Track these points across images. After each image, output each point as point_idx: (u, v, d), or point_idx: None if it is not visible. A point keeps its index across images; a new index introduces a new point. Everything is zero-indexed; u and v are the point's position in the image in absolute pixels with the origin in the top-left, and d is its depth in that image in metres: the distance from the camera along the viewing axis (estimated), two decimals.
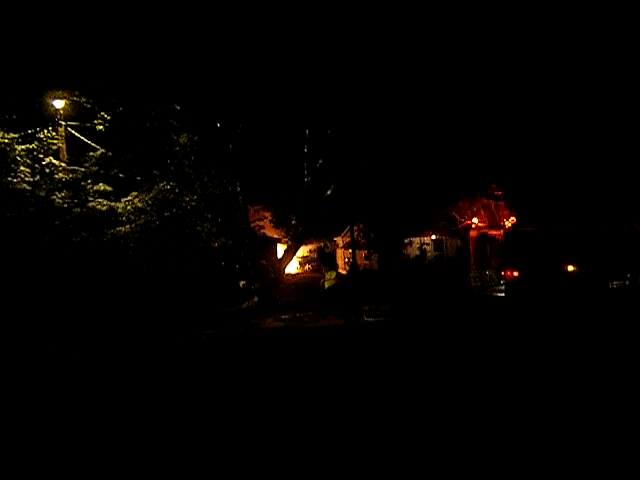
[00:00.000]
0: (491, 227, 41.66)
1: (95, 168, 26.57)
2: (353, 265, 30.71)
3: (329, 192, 31.71)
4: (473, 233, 44.07)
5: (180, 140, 27.56)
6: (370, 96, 29.49)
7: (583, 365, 13.54)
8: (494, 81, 32.33)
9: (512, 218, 38.42)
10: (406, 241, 47.28)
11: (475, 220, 45.84)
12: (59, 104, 25.87)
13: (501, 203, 45.14)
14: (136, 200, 27.06)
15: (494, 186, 44.94)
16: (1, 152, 24.07)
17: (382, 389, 12.21)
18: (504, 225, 34.68)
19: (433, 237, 52.97)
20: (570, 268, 25.57)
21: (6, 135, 24.15)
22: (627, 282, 24.51)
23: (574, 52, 30.77)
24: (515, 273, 27.75)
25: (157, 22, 26.16)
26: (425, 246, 51.84)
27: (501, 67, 31.73)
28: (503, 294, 29.83)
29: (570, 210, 29.91)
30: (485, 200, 46.19)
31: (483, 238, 42.74)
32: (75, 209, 25.50)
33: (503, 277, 30.17)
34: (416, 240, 50.33)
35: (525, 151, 34.65)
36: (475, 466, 7.91)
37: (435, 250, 52.61)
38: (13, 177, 24.26)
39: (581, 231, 25.79)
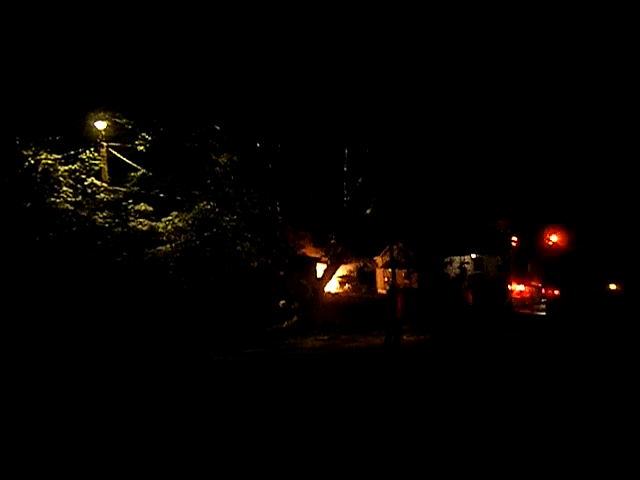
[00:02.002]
0: (532, 245, 41.28)
1: (136, 188, 26.86)
2: (392, 285, 30.59)
3: (368, 211, 31.60)
4: (514, 252, 43.69)
5: (220, 160, 27.71)
6: (410, 114, 29.40)
7: (621, 391, 13.27)
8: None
9: (553, 236, 38.00)
10: (446, 260, 47.02)
11: (515, 238, 45.44)
12: (101, 125, 26.21)
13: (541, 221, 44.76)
14: (176, 220, 27.22)
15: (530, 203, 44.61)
16: (45, 173, 24.41)
17: (418, 413, 12.10)
18: (546, 243, 34.29)
19: (473, 255, 52.66)
20: (612, 287, 25.25)
21: (49, 156, 24.49)
22: None
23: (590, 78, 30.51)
24: (556, 292, 27.49)
25: (197, 45, 26.35)
26: (465, 265, 51.54)
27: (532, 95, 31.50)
28: (544, 313, 29.51)
29: (614, 227, 29.52)
30: (522, 218, 45.80)
31: (524, 256, 42.38)
32: (116, 229, 25.74)
33: (544, 296, 29.90)
34: (456, 259, 50.05)
35: (568, 166, 34.35)
36: None
37: (475, 269, 52.31)
38: (56, 197, 24.58)
39: (624, 249, 25.44)
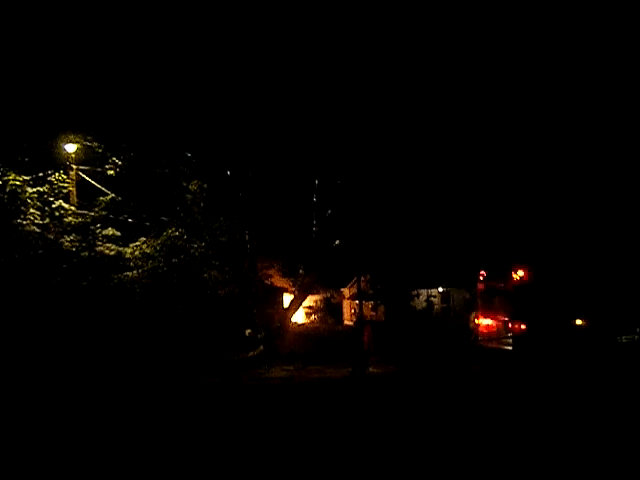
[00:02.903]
0: (499, 279, 41.43)
1: (104, 212, 26.60)
2: (360, 316, 30.59)
3: (337, 242, 31.63)
4: (481, 285, 43.81)
5: (190, 187, 27.66)
6: (379, 149, 29.50)
7: (584, 429, 13.28)
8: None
9: (520, 271, 38.21)
10: (413, 293, 47.17)
11: (482, 272, 45.56)
12: (71, 148, 26.01)
13: (509, 256, 44.88)
14: (144, 246, 27.03)
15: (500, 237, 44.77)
16: (12, 194, 24.12)
17: (378, 444, 12.03)
18: (512, 277, 34.41)
19: (440, 289, 52.81)
20: (579, 322, 25.38)
21: (17, 177, 24.21)
22: (637, 337, 24.29)
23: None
24: (522, 326, 27.56)
25: (169, 70, 26.36)
26: (432, 298, 51.68)
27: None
28: (510, 347, 29.59)
29: (579, 263, 29.70)
30: (491, 253, 45.96)
31: (491, 290, 42.51)
32: (83, 253, 25.46)
33: (511, 330, 29.94)
34: (423, 292, 50.20)
35: (533, 203, 34.54)
36: None
37: (442, 302, 52.47)
38: (23, 219, 24.28)
39: (590, 284, 25.61)
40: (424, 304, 50.82)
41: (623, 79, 28.09)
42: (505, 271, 36.42)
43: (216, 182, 28.56)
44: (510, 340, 29.76)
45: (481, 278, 41.74)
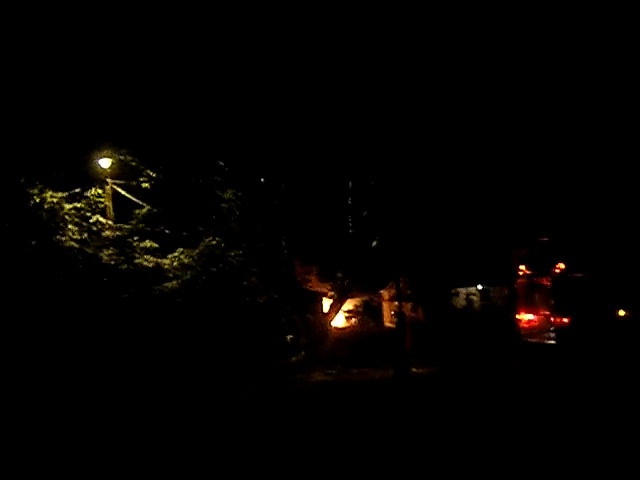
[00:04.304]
0: (539, 274, 41.03)
1: (141, 225, 26.84)
2: (400, 318, 30.43)
3: (374, 244, 31.51)
4: (521, 281, 43.42)
5: (225, 196, 27.74)
6: (413, 148, 29.34)
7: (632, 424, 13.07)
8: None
9: (560, 264, 37.81)
10: (453, 292, 46.81)
11: (522, 267, 45.15)
12: (106, 163, 26.25)
13: (549, 250, 44.42)
14: (182, 256, 27.18)
15: (541, 232, 44.30)
16: (50, 211, 24.42)
17: (429, 446, 11.96)
18: (553, 272, 34.06)
19: (480, 287, 52.34)
20: (621, 313, 25.12)
21: (55, 194, 24.51)
22: None
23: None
24: (565, 320, 27.32)
25: (199, 82, 26.47)
26: (472, 296, 51.24)
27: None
28: (553, 341, 29.34)
29: (621, 254, 29.36)
30: (533, 247, 45.52)
31: (531, 286, 42.13)
32: (122, 266, 25.71)
33: (553, 324, 29.67)
34: (462, 290, 49.78)
35: (571, 196, 34.15)
36: None
37: (482, 300, 51.92)
38: (62, 235, 24.57)
39: (632, 275, 25.34)
40: (464, 302, 50.42)
41: None
42: (545, 265, 36.09)
43: (250, 190, 28.58)
44: (553, 334, 29.54)
45: (521, 273, 41.44)
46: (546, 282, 35.93)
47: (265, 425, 15.47)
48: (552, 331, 29.67)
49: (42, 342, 22.51)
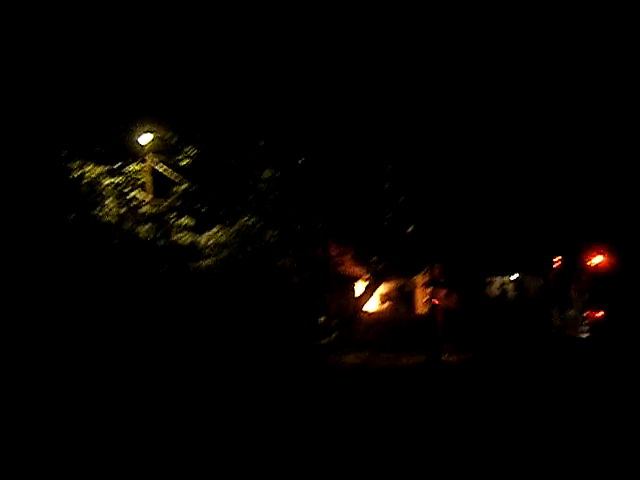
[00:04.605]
0: (575, 265, 40.64)
1: (179, 202, 26.96)
2: (433, 304, 30.29)
3: (410, 230, 31.36)
4: (555, 272, 43.08)
5: (263, 175, 27.79)
6: (454, 134, 29.14)
7: None
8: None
9: (597, 256, 37.44)
10: (487, 280, 46.62)
11: (558, 259, 44.78)
12: (146, 139, 26.37)
13: (586, 242, 43.97)
14: (219, 234, 27.26)
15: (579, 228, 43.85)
16: (89, 185, 24.59)
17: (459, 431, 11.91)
18: (589, 263, 33.76)
19: (514, 277, 52.04)
20: None
21: (94, 169, 24.66)
22: None
23: None
24: (600, 313, 27.08)
25: (239, 60, 26.46)
26: (506, 286, 51.01)
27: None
28: (587, 335, 29.12)
29: None
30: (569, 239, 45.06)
31: (566, 277, 41.78)
32: (159, 242, 25.87)
33: (587, 317, 29.45)
34: (497, 279, 49.59)
35: (610, 189, 33.75)
36: None
37: (516, 290, 51.68)
38: (100, 210, 24.74)
39: None
40: (497, 292, 50.22)
41: None
42: (581, 257, 35.74)
43: (288, 170, 28.59)
44: (587, 327, 29.32)
45: (556, 265, 41.08)
46: (582, 274, 35.67)
47: (298, 405, 15.50)
48: (586, 324, 29.43)
49: (78, 315, 22.68)
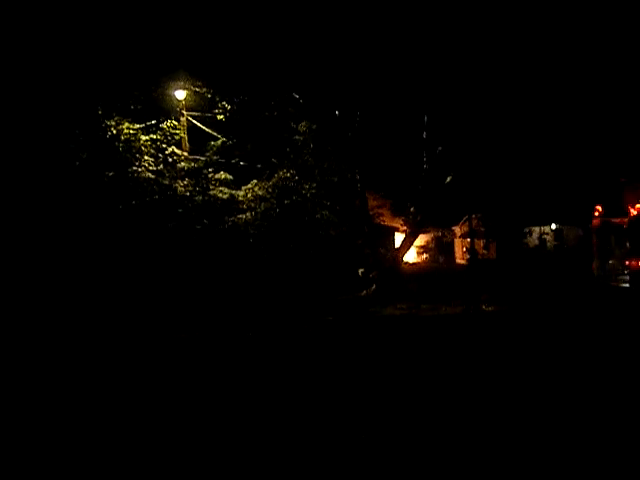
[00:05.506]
0: (615, 214, 40.15)
1: (216, 157, 27.06)
2: (472, 255, 30.21)
3: (448, 180, 31.16)
4: (596, 222, 42.61)
5: (299, 128, 27.69)
6: (493, 84, 28.77)
7: None
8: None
9: (638, 205, 36.94)
10: (526, 230, 46.38)
11: (598, 208, 44.24)
12: (181, 95, 26.46)
13: (627, 189, 43.33)
14: (256, 188, 27.35)
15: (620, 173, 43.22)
16: (127, 142, 24.82)
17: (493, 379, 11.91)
18: (629, 213, 33.30)
19: (553, 226, 51.72)
20: None
21: (131, 126, 24.83)
22: None
23: None
24: None
25: (274, 13, 26.28)
26: (545, 236, 50.68)
27: None
28: (627, 285, 28.80)
29: None
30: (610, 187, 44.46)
31: (606, 227, 41.34)
32: (197, 197, 26.06)
33: (627, 267, 29.11)
34: (536, 229, 49.30)
35: None
36: None
37: (555, 240, 51.42)
38: (138, 166, 24.96)
39: None
40: (536, 242, 49.90)
41: None
42: (622, 206, 35.32)
43: (325, 122, 28.44)
44: (627, 277, 29.00)
45: (596, 214, 40.66)
46: (622, 223, 35.21)
47: (347, 355, 15.59)
48: (627, 274, 29.09)
49: (122, 270, 23.07)
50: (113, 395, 11.57)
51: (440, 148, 30.68)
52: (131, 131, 24.93)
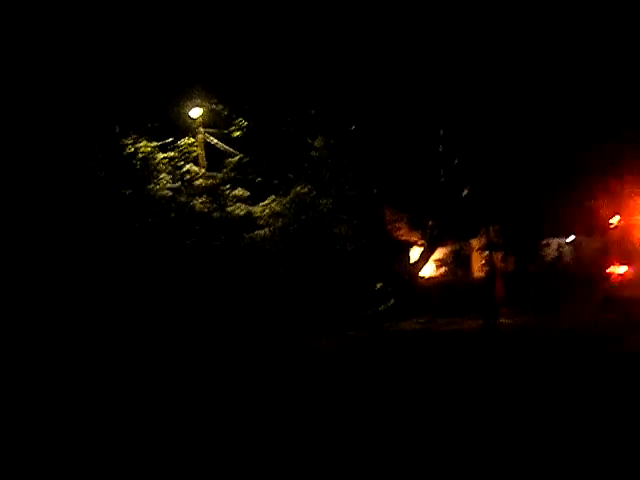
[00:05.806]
0: (633, 225, 39.99)
1: (233, 173, 27.14)
2: (490, 267, 30.10)
3: (465, 192, 31.12)
4: (613, 233, 42.49)
5: (315, 144, 27.77)
6: (506, 94, 28.76)
7: None
8: None
9: None
10: (543, 242, 46.09)
11: (615, 220, 44.11)
12: (197, 112, 26.58)
13: None
14: (273, 204, 27.39)
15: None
16: (144, 160, 24.98)
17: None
18: None
19: (571, 238, 51.44)
20: None
21: (148, 144, 24.98)
22: None
23: None
24: None
25: (289, 30, 26.41)
26: (563, 248, 50.39)
27: None
28: None
29: None
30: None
31: (624, 238, 41.20)
32: (214, 214, 26.12)
33: None
34: (554, 241, 48.98)
35: None
36: None
37: (573, 251, 51.12)
38: (155, 184, 25.08)
39: None
40: (554, 254, 49.61)
41: None
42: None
43: (341, 137, 28.49)
44: None
45: (614, 225, 40.46)
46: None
47: (368, 369, 15.60)
48: None
49: (138, 285, 23.12)
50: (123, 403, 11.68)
51: (456, 161, 30.68)
52: (148, 149, 25.11)
